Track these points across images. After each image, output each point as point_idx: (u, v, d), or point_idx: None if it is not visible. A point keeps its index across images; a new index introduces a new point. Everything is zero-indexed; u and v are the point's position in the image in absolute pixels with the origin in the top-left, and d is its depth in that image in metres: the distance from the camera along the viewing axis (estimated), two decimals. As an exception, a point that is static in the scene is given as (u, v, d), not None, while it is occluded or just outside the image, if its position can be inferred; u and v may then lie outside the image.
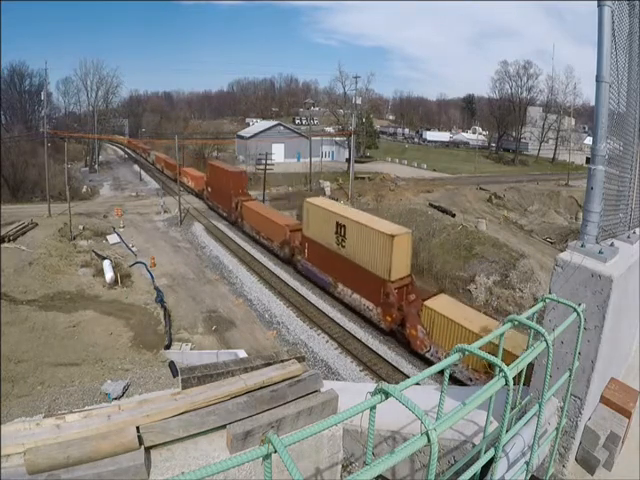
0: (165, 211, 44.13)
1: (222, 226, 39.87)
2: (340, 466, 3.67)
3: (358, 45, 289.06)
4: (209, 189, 46.40)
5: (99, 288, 26.43)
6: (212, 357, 16.91)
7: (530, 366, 2.71)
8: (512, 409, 3.01)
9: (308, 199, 27.86)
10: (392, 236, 20.42)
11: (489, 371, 14.55)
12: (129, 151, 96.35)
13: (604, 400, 3.52)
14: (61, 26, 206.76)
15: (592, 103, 3.29)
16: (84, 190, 52.49)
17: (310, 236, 26.43)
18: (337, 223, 23.76)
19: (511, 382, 2.15)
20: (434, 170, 71.93)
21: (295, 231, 28.99)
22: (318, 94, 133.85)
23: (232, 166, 52.76)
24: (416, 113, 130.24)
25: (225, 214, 41.36)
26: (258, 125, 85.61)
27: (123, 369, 18.07)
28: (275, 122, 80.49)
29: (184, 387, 3.38)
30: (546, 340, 2.53)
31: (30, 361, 18.02)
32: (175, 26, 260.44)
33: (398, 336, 20.89)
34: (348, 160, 61.66)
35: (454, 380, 16.78)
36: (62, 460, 2.53)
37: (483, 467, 2.40)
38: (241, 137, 74.82)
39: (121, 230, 37.46)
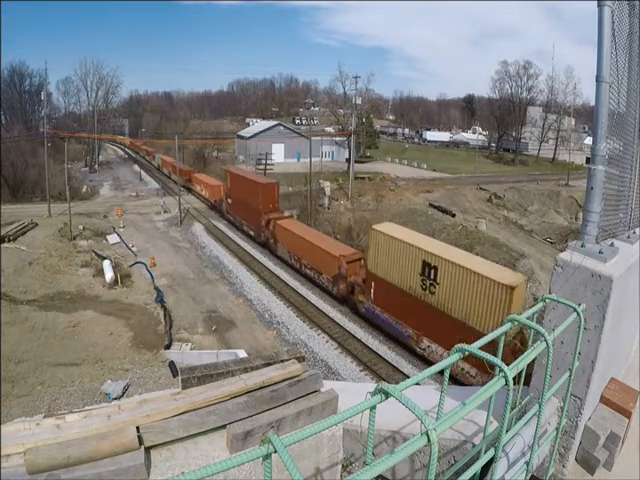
0: (165, 211, 44.14)
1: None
2: (340, 466, 3.67)
3: (358, 45, 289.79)
4: (229, 201, 39.76)
5: (99, 288, 26.42)
6: (212, 357, 16.90)
7: (530, 366, 2.70)
8: (512, 409, 3.01)
9: (376, 226, 21.60)
10: (511, 288, 15.66)
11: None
12: (129, 151, 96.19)
13: (604, 400, 3.52)
14: (61, 26, 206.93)
15: (592, 103, 3.29)
16: (84, 190, 52.49)
17: (379, 274, 20.82)
18: (424, 262, 18.53)
19: (511, 382, 2.15)
20: (434, 170, 71.94)
21: (353, 262, 23.27)
22: (318, 94, 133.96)
23: (260, 175, 46.02)
24: (416, 113, 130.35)
25: (252, 232, 35.10)
26: (258, 125, 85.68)
27: (123, 369, 18.07)
28: (275, 122, 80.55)
29: (184, 387, 3.38)
30: (546, 340, 2.53)
31: (30, 361, 18.02)
32: (175, 26, 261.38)
33: None
34: (348, 160, 61.68)
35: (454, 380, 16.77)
36: (62, 460, 2.53)
37: (483, 467, 2.40)
38: (241, 137, 74.86)
39: (121, 230, 37.46)
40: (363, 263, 22.93)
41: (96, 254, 31.07)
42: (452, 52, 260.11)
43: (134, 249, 33.24)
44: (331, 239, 28.95)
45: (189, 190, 54.47)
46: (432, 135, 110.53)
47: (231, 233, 38.15)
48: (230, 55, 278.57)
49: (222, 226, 40.24)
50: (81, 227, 36.42)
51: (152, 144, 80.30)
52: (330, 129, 79.72)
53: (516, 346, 14.43)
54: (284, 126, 76.52)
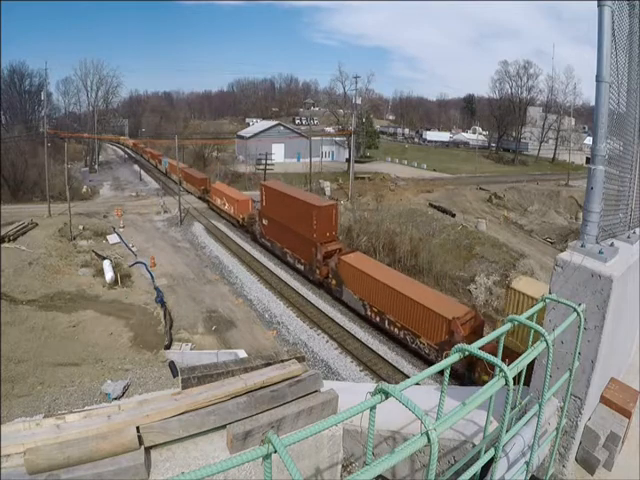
0: (165, 211, 44.14)
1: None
2: (340, 466, 3.67)
3: (358, 45, 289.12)
4: (264, 222, 32.51)
5: (99, 288, 26.43)
6: (212, 357, 16.90)
7: (530, 366, 2.71)
8: (512, 409, 3.01)
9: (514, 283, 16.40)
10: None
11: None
12: (129, 151, 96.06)
13: (604, 400, 3.52)
14: (61, 26, 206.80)
15: (592, 103, 3.29)
16: (84, 190, 52.46)
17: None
18: None
19: (511, 382, 2.15)
20: (434, 170, 71.95)
21: (465, 324, 17.59)
22: (318, 94, 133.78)
23: (312, 195, 36.21)
24: (416, 113, 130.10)
25: (300, 266, 28.37)
26: (258, 125, 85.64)
27: (123, 369, 18.08)
28: (275, 122, 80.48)
29: (184, 387, 3.38)
30: (546, 340, 2.53)
31: (30, 361, 18.03)
32: (175, 26, 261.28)
33: None
34: (348, 160, 61.66)
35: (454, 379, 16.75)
36: (62, 460, 2.53)
37: (483, 467, 2.40)
38: (241, 137, 74.82)
39: (121, 230, 37.46)
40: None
41: (96, 254, 31.08)
42: (452, 52, 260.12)
43: (134, 249, 33.24)
44: (427, 288, 22.37)
45: (206, 202, 46.72)
46: (432, 135, 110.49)
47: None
48: (230, 55, 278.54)
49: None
50: (81, 227, 36.42)
51: (153, 144, 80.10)
52: (330, 129, 79.73)
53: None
54: (284, 126, 76.50)
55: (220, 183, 46.74)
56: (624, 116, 3.45)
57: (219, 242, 36.01)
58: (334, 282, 24.85)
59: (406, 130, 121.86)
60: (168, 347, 20.20)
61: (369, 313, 22.38)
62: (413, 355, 20.03)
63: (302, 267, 28.11)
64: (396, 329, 20.84)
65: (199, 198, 48.28)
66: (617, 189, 3.53)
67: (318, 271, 26.10)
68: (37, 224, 35.24)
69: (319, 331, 22.35)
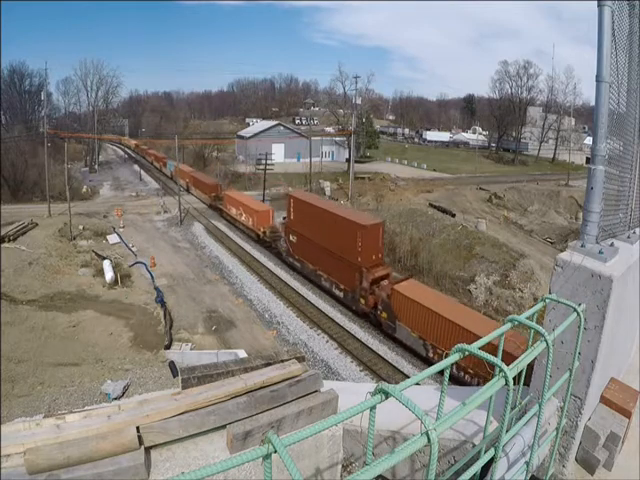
0: (165, 211, 44.14)
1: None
2: (340, 466, 3.67)
3: (358, 45, 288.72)
4: (292, 239, 28.37)
5: (99, 288, 26.43)
6: (212, 357, 16.92)
7: (530, 366, 2.71)
8: (512, 409, 3.01)
9: None
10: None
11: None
12: (129, 151, 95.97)
13: (604, 400, 3.52)
14: (61, 26, 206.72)
15: (592, 103, 3.29)
16: (84, 190, 52.48)
17: None
18: None
19: (511, 382, 2.15)
20: (434, 170, 71.97)
21: None
22: (318, 94, 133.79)
23: (353, 210, 33.19)
24: (416, 113, 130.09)
25: (339, 293, 24.60)
26: (258, 125, 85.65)
27: (123, 369, 18.09)
28: (275, 122, 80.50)
29: (184, 387, 3.38)
30: (546, 340, 2.53)
31: (30, 361, 18.03)
32: (175, 26, 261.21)
33: None
34: (348, 160, 61.67)
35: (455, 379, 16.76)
36: (62, 460, 2.53)
37: (483, 467, 2.40)
38: (241, 137, 74.82)
39: (121, 230, 37.46)
40: None
41: (96, 254, 31.08)
42: (452, 52, 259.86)
43: (134, 249, 33.25)
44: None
45: (219, 212, 42.42)
46: (432, 135, 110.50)
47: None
48: (230, 55, 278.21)
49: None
50: (81, 227, 36.43)
51: (153, 144, 80.00)
52: (330, 129, 79.76)
53: None
54: (284, 126, 76.51)
55: (235, 190, 43.10)
56: (624, 116, 3.45)
57: (219, 242, 36.00)
58: (384, 315, 21.31)
59: (406, 130, 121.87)
60: (168, 347, 20.20)
61: (432, 355, 19.07)
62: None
63: (341, 294, 24.26)
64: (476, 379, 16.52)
65: (209, 206, 44.36)
66: (617, 189, 3.52)
67: (363, 301, 22.46)
68: (37, 224, 35.24)
69: (319, 331, 22.35)
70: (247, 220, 35.60)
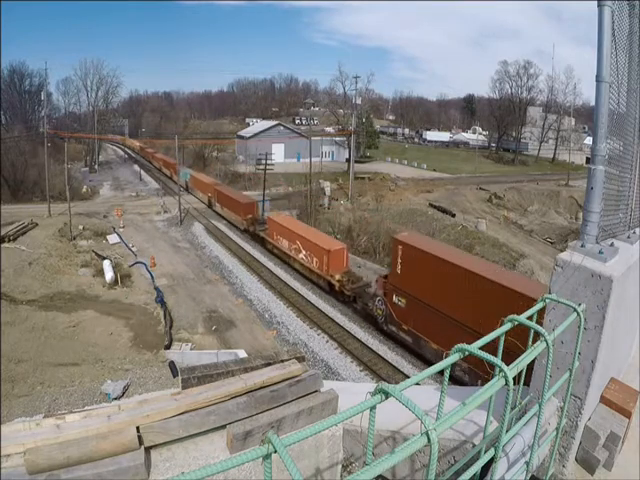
0: (165, 211, 44.14)
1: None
2: (340, 466, 3.67)
3: (358, 45, 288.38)
4: (399, 301, 19.67)
5: (99, 288, 26.42)
6: (212, 357, 16.91)
7: (530, 366, 2.71)
8: (512, 409, 3.01)
9: None
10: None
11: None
12: (129, 151, 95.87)
13: (604, 400, 3.52)
14: (61, 26, 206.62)
15: (592, 103, 3.29)
16: (84, 190, 52.48)
17: None
18: None
19: (511, 382, 2.15)
20: (434, 170, 71.98)
21: None
22: (318, 94, 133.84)
23: (511, 272, 23.52)
24: (416, 113, 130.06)
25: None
26: (258, 125, 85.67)
27: (123, 369, 18.07)
28: (275, 122, 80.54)
29: (184, 387, 3.38)
30: (546, 340, 2.53)
31: (30, 361, 18.02)
32: (175, 26, 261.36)
33: None
34: (348, 160, 61.69)
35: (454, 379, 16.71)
36: (62, 460, 2.53)
37: (483, 467, 2.40)
38: (241, 137, 74.86)
39: (121, 230, 37.46)
40: None
41: (96, 254, 31.07)
42: (452, 52, 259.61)
43: (134, 249, 33.24)
44: None
45: (261, 242, 32.73)
46: (432, 135, 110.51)
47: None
48: (230, 55, 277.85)
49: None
50: (81, 227, 36.42)
51: (152, 143, 79.96)
52: (330, 129, 79.76)
53: None
54: (284, 126, 76.53)
55: (283, 216, 32.09)
56: (624, 116, 3.45)
57: (219, 242, 35.99)
58: None
59: (406, 130, 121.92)
60: (168, 347, 20.19)
61: None
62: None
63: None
64: None
65: (244, 231, 34.41)
66: (617, 189, 3.52)
67: None
68: (37, 224, 35.22)
69: (319, 331, 22.34)
70: (309, 260, 25.89)
